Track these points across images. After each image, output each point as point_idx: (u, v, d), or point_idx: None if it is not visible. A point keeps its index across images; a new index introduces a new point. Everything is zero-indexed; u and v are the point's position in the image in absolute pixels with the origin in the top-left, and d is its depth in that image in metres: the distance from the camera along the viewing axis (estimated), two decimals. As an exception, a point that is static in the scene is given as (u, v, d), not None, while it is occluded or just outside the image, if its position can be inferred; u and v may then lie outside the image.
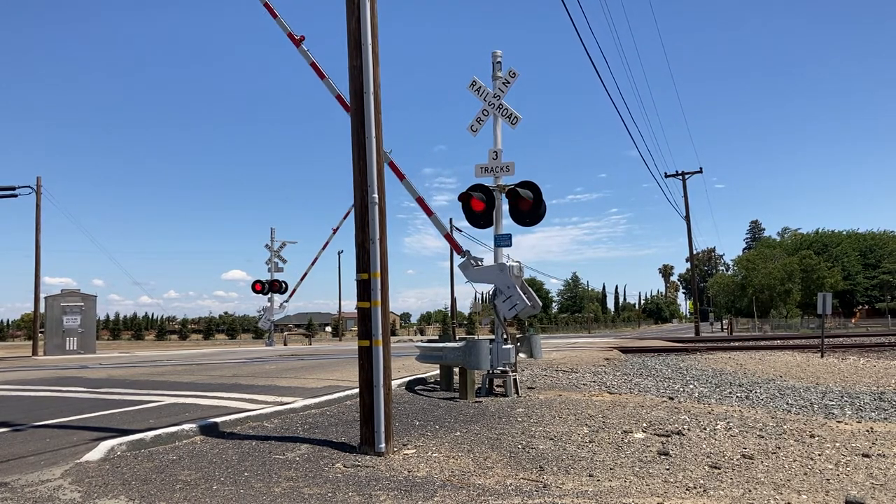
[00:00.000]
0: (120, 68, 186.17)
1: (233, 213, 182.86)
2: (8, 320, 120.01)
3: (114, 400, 10.95)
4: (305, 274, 47.13)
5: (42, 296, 33.90)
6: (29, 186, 34.76)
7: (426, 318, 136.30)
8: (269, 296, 40.10)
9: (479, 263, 11.38)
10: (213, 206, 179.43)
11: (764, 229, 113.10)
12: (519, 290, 10.86)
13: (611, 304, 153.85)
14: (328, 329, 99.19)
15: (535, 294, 11.25)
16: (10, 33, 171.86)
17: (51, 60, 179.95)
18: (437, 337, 15.64)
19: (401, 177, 11.70)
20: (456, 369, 11.39)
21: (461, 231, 51.84)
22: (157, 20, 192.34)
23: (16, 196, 34.46)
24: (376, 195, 6.84)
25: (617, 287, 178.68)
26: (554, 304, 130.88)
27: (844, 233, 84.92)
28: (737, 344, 29.86)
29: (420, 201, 11.72)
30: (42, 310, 33.49)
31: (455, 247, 11.72)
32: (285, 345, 43.64)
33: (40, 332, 33.95)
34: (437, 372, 12.50)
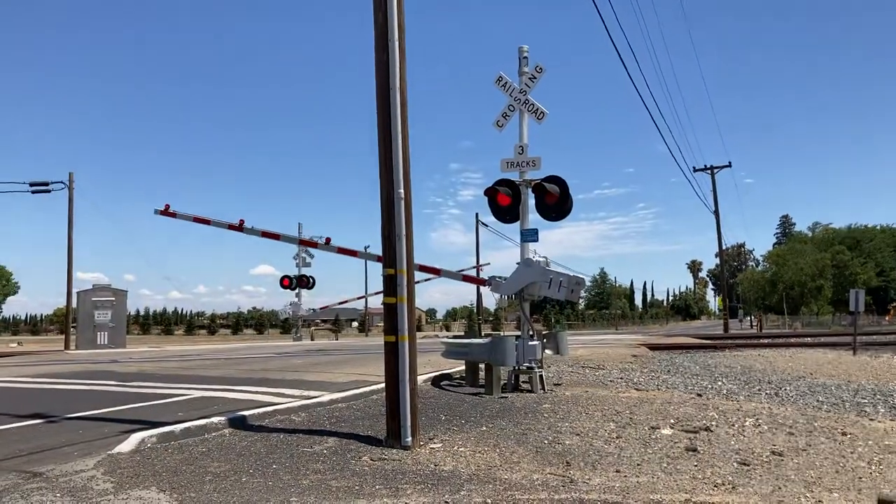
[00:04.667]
0: (146, 66, 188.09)
1: (262, 207, 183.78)
2: (42, 315, 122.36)
3: (144, 393, 11.12)
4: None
5: (74, 291, 34.48)
6: (61, 182, 35.36)
7: (452, 315, 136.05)
8: (296, 291, 40.19)
9: (503, 279, 11.41)
10: (242, 200, 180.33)
11: (794, 224, 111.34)
12: (556, 270, 10.86)
13: (638, 301, 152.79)
14: (355, 325, 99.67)
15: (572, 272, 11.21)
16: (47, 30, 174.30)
17: (81, 57, 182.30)
18: (462, 333, 15.76)
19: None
20: (482, 365, 11.38)
21: (487, 226, 51.46)
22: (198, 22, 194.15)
23: (49, 191, 35.03)
24: (402, 191, 6.87)
25: (645, 283, 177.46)
26: (581, 301, 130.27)
27: (878, 228, 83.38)
28: (766, 341, 29.54)
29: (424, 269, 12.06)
30: (74, 305, 34.03)
31: (478, 282, 11.76)
32: (312, 340, 44.02)
33: (72, 327, 34.49)
34: (463, 368, 12.49)
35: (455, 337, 12.24)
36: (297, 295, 40.63)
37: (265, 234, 13.99)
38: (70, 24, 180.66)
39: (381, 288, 7.04)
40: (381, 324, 7.44)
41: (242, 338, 72.00)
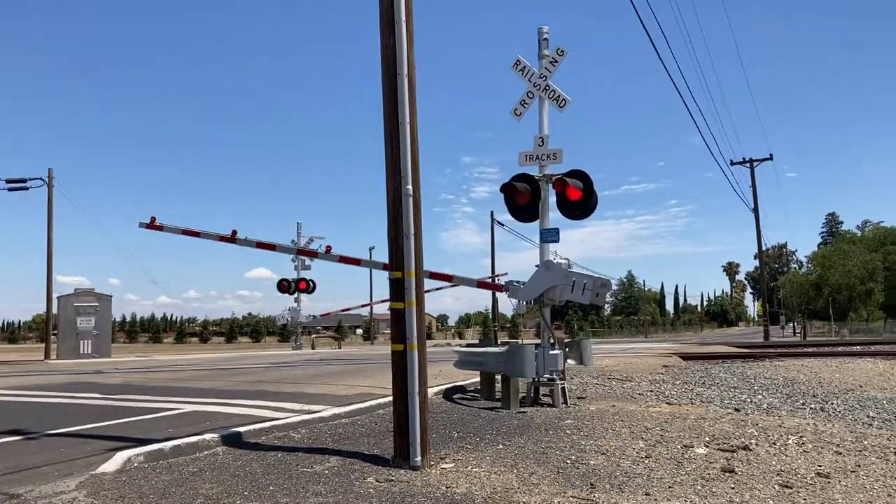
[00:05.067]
0: (133, 59, 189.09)
1: (257, 207, 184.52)
2: (19, 321, 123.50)
3: (130, 407, 11.18)
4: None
5: (55, 296, 34.74)
6: (40, 178, 35.65)
7: (465, 321, 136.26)
8: (295, 295, 40.28)
9: (521, 283, 11.41)
10: (236, 199, 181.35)
11: (842, 222, 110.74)
12: (579, 272, 10.85)
13: (670, 306, 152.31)
14: (359, 332, 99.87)
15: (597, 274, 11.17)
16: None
17: (62, 47, 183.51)
18: (477, 341, 15.77)
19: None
20: (498, 377, 11.38)
21: (503, 225, 51.37)
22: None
23: (27, 188, 35.35)
24: (410, 186, 6.87)
25: (677, 287, 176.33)
26: (607, 306, 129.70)
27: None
28: (811, 350, 29.34)
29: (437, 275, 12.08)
30: (55, 311, 34.28)
31: (494, 288, 11.86)
32: (313, 349, 44.06)
33: (53, 335, 34.72)
34: (478, 379, 12.49)
35: (469, 345, 12.27)
36: (297, 300, 40.73)
37: (260, 245, 14.17)
38: (58, 11, 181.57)
39: (387, 293, 7.06)
40: (388, 331, 7.47)
41: (237, 346, 72.33)
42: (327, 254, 14.42)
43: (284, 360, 25.54)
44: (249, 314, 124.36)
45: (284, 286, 39.35)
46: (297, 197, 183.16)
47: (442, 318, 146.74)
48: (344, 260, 13.78)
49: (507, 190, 11.29)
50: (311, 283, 39.85)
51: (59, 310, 33.19)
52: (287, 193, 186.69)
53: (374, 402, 10.66)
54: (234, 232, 14.05)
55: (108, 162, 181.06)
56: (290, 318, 42.11)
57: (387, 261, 7.03)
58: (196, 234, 14.16)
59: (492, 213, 56.05)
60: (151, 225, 14.26)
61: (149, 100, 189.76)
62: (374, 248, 73.48)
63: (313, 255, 15.74)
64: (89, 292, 33.95)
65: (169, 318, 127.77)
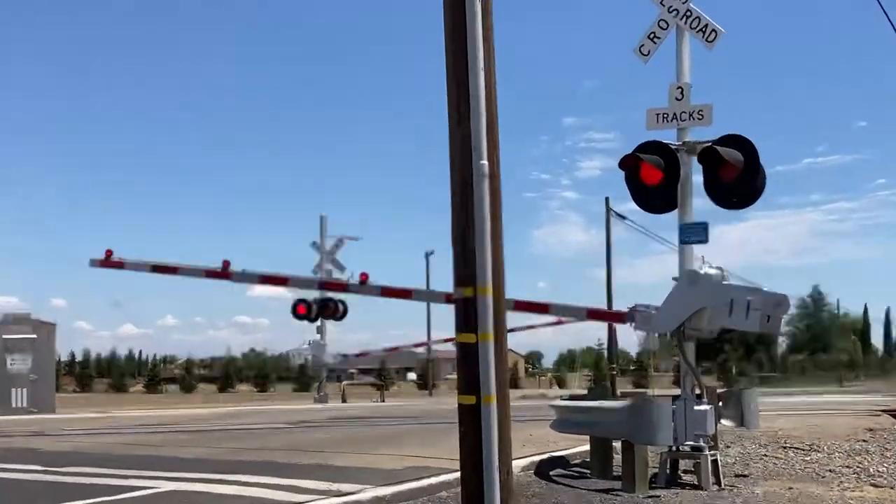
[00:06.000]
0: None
1: (262, 197, 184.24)
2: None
3: (83, 485, 11.21)
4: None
5: None
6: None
7: (567, 361, 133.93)
8: (318, 323, 39.89)
9: (653, 309, 11.34)
10: (231, 188, 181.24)
11: None
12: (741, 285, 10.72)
13: (878, 339, 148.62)
14: (411, 377, 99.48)
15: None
16: None
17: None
18: (585, 391, 15.63)
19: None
20: (617, 444, 11.27)
21: (624, 219, 50.46)
22: None
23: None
24: (485, 162, 6.91)
25: (888, 311, 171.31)
26: (782, 340, 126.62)
27: None
28: None
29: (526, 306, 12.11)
30: None
31: (611, 318, 11.84)
32: (344, 401, 43.93)
33: None
34: (586, 448, 12.38)
35: (573, 397, 12.23)
36: (320, 330, 40.69)
37: (266, 280, 14.48)
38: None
39: (451, 324, 7.05)
40: (453, 375, 7.49)
41: (235, 397, 73.03)
42: (363, 285, 14.61)
43: (302, 419, 25.63)
44: (252, 350, 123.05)
45: (303, 310, 37.68)
46: (320, 181, 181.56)
47: (533, 357, 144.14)
48: (389, 293, 13.91)
49: (630, 165, 11.11)
50: (342, 306, 37.51)
51: (-20, 345, 33.60)
52: (307, 178, 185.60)
53: (433, 481, 10.62)
54: (227, 264, 14.34)
55: (58, 143, 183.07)
56: (310, 358, 41.91)
57: (450, 285, 7.11)
58: (171, 271, 14.57)
59: (606, 200, 53.91)
60: (107, 262, 14.66)
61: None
62: (432, 252, 72.28)
63: (340, 287, 15.87)
64: (24, 318, 34.06)
65: (137, 356, 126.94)
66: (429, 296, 14.61)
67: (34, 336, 33.51)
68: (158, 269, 14.71)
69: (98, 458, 14.48)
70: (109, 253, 14.85)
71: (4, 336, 32.95)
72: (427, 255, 70.59)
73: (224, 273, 14.44)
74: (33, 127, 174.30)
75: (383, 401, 47.46)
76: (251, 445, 16.42)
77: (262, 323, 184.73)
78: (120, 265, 14.83)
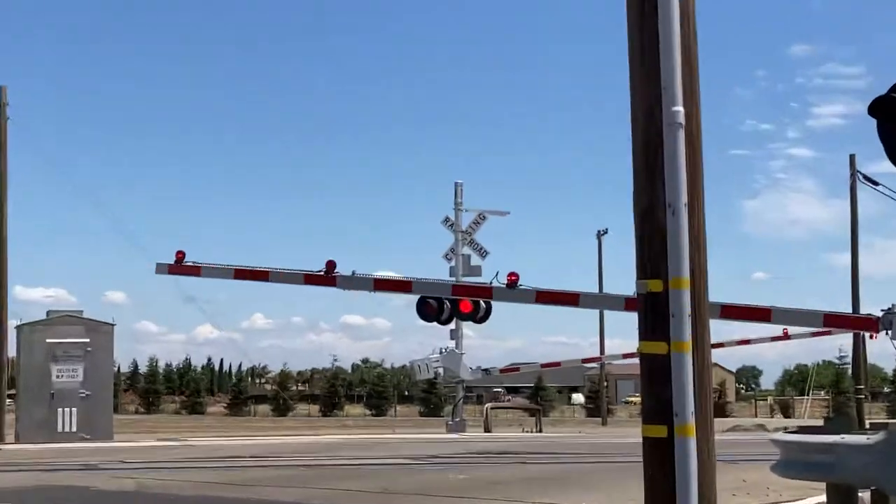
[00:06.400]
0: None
1: (375, 168, 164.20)
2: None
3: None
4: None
5: (11, 323, 31.93)
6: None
7: (794, 380, 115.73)
8: (451, 326, 34.24)
9: None
10: (338, 152, 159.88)
11: None
12: None
13: None
14: (578, 399, 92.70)
15: None
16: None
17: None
18: (820, 422, 14.02)
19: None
20: (865, 493, 9.61)
21: (877, 185, 41.49)
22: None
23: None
24: (681, 108, 6.01)
25: None
26: None
27: None
28: None
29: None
30: (11, 351, 32.20)
31: (857, 325, 10.43)
32: (488, 430, 39.67)
33: (8, 398, 33.14)
34: (822, 499, 10.69)
35: (803, 430, 11.01)
36: (455, 335, 35.64)
37: (383, 286, 14.40)
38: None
39: (629, 332, 5.39)
40: (636, 398, 5.27)
41: (342, 422, 71.44)
42: (512, 289, 13.21)
43: (434, 455, 22.74)
44: (365, 361, 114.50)
45: (432, 309, 30.94)
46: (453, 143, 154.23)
47: (747, 375, 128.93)
48: (549, 299, 12.33)
49: (886, 110, 8.97)
50: (484, 305, 31.67)
51: (19, 350, 29.92)
52: (435, 142, 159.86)
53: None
54: (332, 265, 13.39)
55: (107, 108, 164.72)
56: (442, 372, 38.98)
57: (632, 287, 6.43)
58: (261, 277, 13.66)
59: (851, 159, 45.92)
60: (179, 267, 13.65)
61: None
62: (605, 232, 63.75)
63: (483, 294, 14.23)
64: (74, 318, 29.89)
65: (218, 366, 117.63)
66: (601, 301, 13.10)
67: (87, 339, 28.99)
68: (244, 274, 13.59)
69: (170, 500, 13.23)
70: (181, 256, 13.69)
71: (48, 340, 28.70)
72: (599, 235, 64.04)
73: (328, 278, 13.74)
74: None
75: (540, 430, 42.51)
76: (368, 486, 14.67)
77: (379, 325, 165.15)
78: (196, 271, 13.67)
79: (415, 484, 15.23)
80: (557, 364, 45.89)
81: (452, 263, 34.72)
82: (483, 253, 35.71)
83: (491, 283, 13.88)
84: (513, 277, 13.65)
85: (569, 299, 12.55)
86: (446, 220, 36.15)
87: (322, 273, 13.78)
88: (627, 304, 5.92)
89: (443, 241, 37.10)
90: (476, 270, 34.43)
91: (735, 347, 42.58)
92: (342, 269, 13.85)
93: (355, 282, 13.30)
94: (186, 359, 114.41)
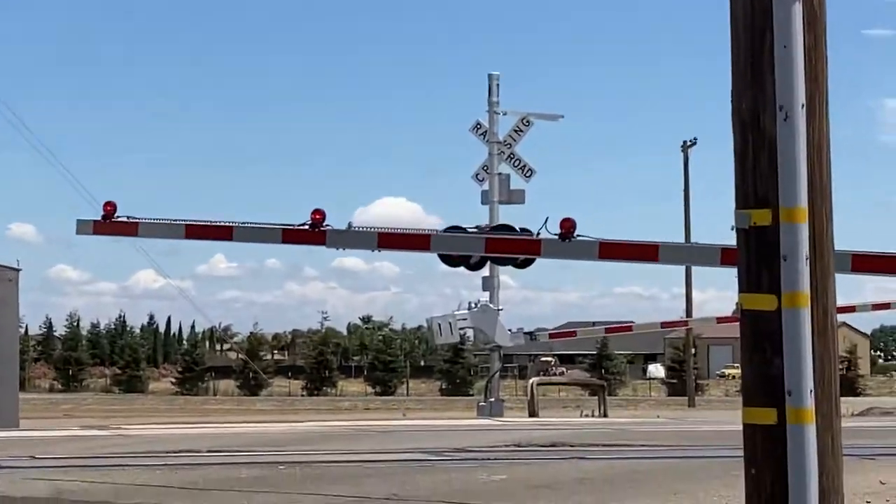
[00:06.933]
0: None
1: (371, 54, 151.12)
2: None
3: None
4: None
5: None
6: None
7: None
8: (483, 272, 28.20)
9: None
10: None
11: None
12: None
13: None
14: (655, 372, 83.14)
15: None
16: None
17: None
18: None
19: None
20: None
21: None
22: None
23: None
24: None
25: None
26: None
27: None
28: None
29: None
30: None
31: None
32: (534, 414, 31.63)
33: None
34: None
35: None
36: (488, 285, 28.60)
37: (388, 242, 13.20)
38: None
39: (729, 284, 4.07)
40: (733, 370, 4.37)
41: (334, 402, 65.45)
42: (567, 240, 11.48)
43: (461, 446, 18.10)
44: (367, 321, 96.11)
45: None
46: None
47: (885, 339, 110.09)
48: (615, 252, 11.64)
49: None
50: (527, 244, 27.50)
51: None
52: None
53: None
54: (319, 217, 11.67)
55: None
56: (470, 334, 34.11)
57: (727, 234, 4.85)
58: (222, 234, 12.38)
59: None
60: (107, 225, 12.19)
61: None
62: (693, 142, 55.32)
63: (528, 249, 12.81)
64: None
65: (164, 328, 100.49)
66: (687, 255, 11.71)
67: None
68: (197, 231, 12.23)
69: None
70: (110, 209, 12.50)
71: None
72: (685, 147, 56.58)
73: (314, 233, 12.11)
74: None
75: (604, 414, 34.02)
76: (372, 492, 11.75)
77: (385, 271, 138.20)
78: (131, 230, 12.54)
79: (436, 487, 12.58)
80: (628, 328, 37.21)
81: (486, 186, 28.64)
82: (528, 172, 29.34)
83: (538, 234, 12.21)
84: (567, 224, 11.87)
85: (645, 253, 10.85)
86: (477, 126, 29.77)
87: (306, 227, 12.08)
88: (724, 256, 4.78)
89: (474, 156, 30.43)
90: (518, 196, 28.63)
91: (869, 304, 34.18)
92: (333, 223, 12.11)
93: (351, 238, 11.76)
94: (120, 317, 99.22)
